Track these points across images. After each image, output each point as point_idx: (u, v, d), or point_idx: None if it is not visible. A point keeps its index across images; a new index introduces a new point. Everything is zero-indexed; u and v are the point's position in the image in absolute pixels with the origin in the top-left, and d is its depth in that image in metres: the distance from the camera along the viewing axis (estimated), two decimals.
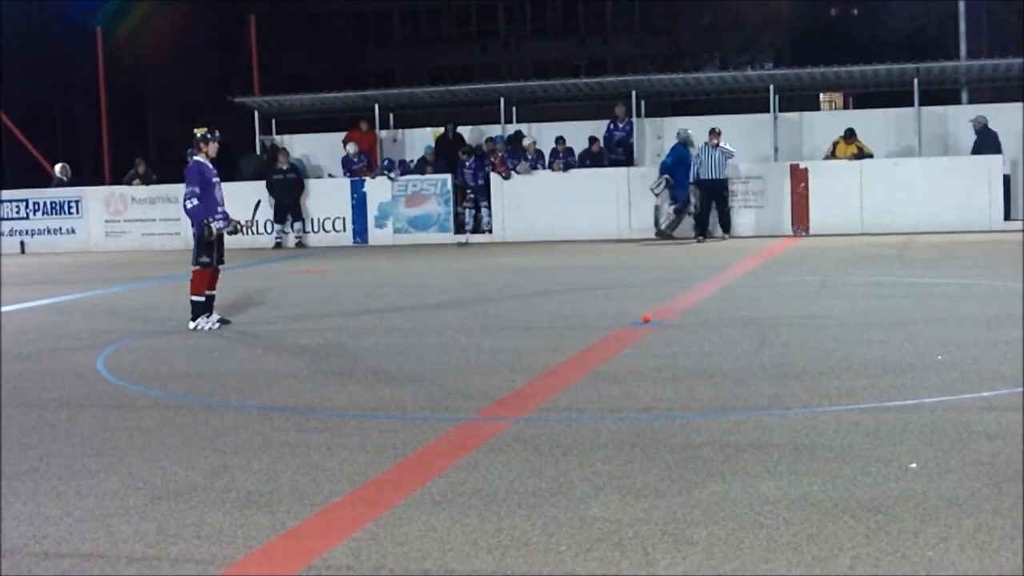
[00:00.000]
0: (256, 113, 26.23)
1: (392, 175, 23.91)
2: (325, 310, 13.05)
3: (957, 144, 22.88)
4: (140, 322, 12.46)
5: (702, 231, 21.76)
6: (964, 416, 6.68)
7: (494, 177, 23.43)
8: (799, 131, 24.08)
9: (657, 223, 22.34)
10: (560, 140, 23.61)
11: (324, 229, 24.26)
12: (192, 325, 11.49)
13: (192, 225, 11.71)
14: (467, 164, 23.72)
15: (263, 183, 23.85)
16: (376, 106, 25.46)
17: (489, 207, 23.61)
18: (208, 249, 11.58)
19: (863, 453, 5.92)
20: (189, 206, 11.51)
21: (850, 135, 22.28)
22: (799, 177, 22.03)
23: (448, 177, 23.70)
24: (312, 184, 24.63)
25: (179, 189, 15.14)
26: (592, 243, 21.76)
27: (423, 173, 24.06)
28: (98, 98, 30.09)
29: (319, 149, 25.98)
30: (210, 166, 11.62)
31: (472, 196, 23.76)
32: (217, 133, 11.74)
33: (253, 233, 22.81)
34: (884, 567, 4.34)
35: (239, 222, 12.12)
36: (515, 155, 23.67)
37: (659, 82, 25.56)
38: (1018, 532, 4.64)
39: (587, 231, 22.52)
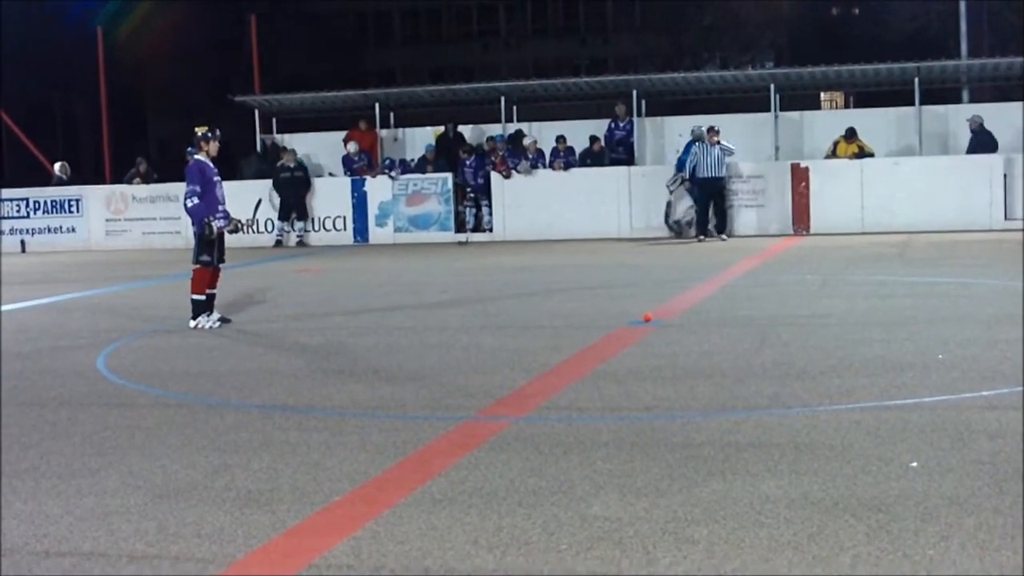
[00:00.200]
0: (256, 112, 26.23)
1: (393, 174, 23.91)
2: (325, 309, 13.05)
3: (958, 143, 22.87)
4: (140, 321, 12.46)
5: (702, 230, 21.73)
6: (964, 415, 6.68)
7: (494, 176, 23.42)
8: (800, 130, 24.08)
9: (668, 218, 22.33)
10: (561, 139, 23.61)
11: (325, 228, 24.27)
12: (193, 324, 11.49)
13: (193, 224, 11.71)
14: (468, 163, 23.72)
15: (263, 182, 23.89)
16: (376, 105, 25.46)
17: (490, 206, 23.61)
18: (209, 248, 11.58)
19: (864, 452, 5.92)
20: (190, 205, 11.52)
21: (851, 134, 22.27)
22: (800, 176, 22.03)
23: (449, 176, 23.70)
24: (313, 183, 24.62)
25: (180, 188, 15.14)
26: (592, 242, 21.75)
27: (423, 172, 24.07)
28: (98, 97, 30.11)
29: (320, 148, 25.97)
30: (211, 165, 11.62)
31: (473, 195, 23.76)
32: (218, 132, 11.74)
33: (254, 232, 22.84)
34: (885, 566, 4.34)
35: (240, 221, 12.11)
36: (516, 154, 23.67)
37: (660, 81, 25.56)
38: (1018, 531, 4.64)
39: (588, 230, 22.51)
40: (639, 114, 24.32)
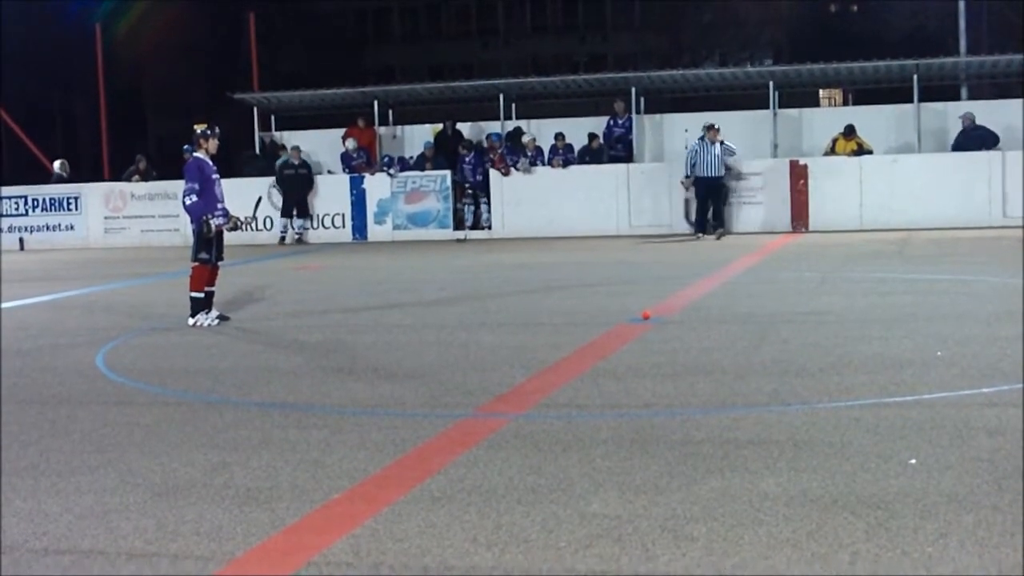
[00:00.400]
0: (255, 109, 26.21)
1: (391, 171, 23.91)
2: (324, 306, 13.05)
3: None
4: (139, 318, 12.46)
5: (701, 228, 21.72)
6: (964, 412, 6.68)
7: (493, 173, 23.42)
8: (799, 127, 24.07)
9: (688, 215, 22.33)
10: (559, 136, 23.61)
11: (323, 225, 24.27)
12: (191, 321, 11.49)
13: (191, 222, 11.71)
14: (467, 159, 23.71)
15: (264, 179, 23.91)
16: (375, 102, 25.45)
17: (488, 203, 23.61)
18: (207, 245, 11.58)
19: (863, 449, 5.92)
20: (188, 202, 11.51)
21: (850, 131, 22.27)
22: (799, 173, 22.02)
23: (447, 173, 23.69)
24: (316, 181, 24.60)
25: (178, 185, 15.13)
26: (591, 239, 21.75)
27: (422, 169, 24.07)
28: (97, 95, 30.08)
29: (318, 145, 25.96)
30: (210, 163, 11.62)
31: (471, 192, 23.75)
32: (217, 130, 11.74)
33: (253, 229, 22.83)
34: (884, 563, 4.34)
35: (239, 218, 12.11)
36: (514, 152, 23.66)
37: (658, 78, 25.56)
38: (1018, 528, 4.64)
39: (586, 227, 22.51)
40: (638, 111, 24.31)
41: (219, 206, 11.60)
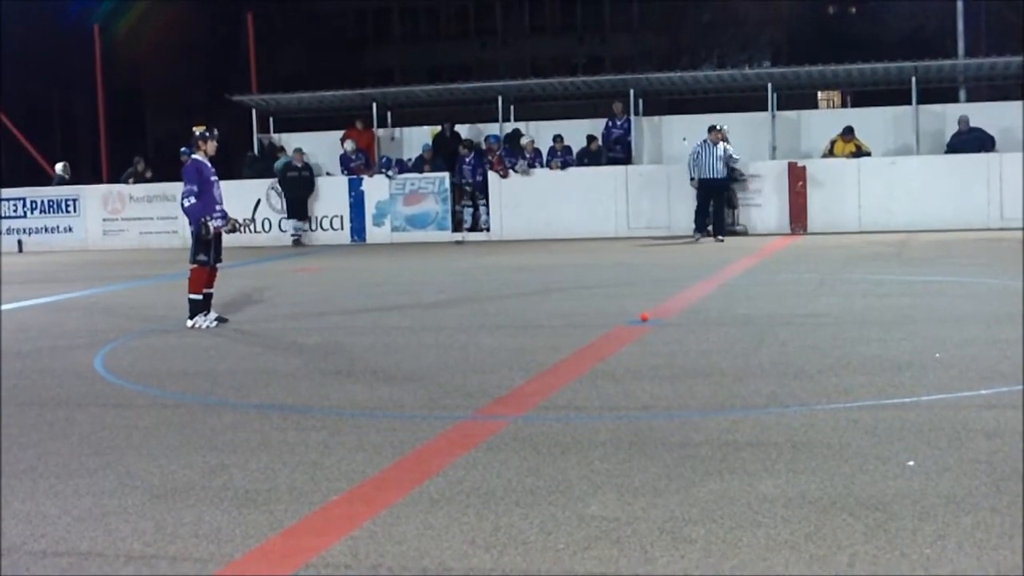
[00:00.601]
0: (254, 111, 26.21)
1: (390, 173, 23.91)
2: (323, 308, 13.04)
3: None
4: (138, 321, 12.45)
5: (699, 229, 21.70)
6: (962, 414, 6.68)
7: (492, 175, 23.42)
8: (797, 129, 24.08)
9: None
10: (558, 138, 23.61)
11: (322, 227, 24.26)
12: (190, 323, 11.49)
13: (190, 224, 11.71)
14: (467, 160, 23.70)
15: (263, 181, 23.91)
16: (374, 104, 25.45)
17: (487, 205, 23.61)
18: (206, 247, 11.57)
19: (861, 451, 5.92)
20: (187, 204, 11.51)
21: (848, 133, 22.28)
22: (797, 175, 22.01)
23: (446, 175, 23.70)
24: (316, 184, 24.60)
25: (177, 188, 15.13)
26: (590, 241, 21.75)
27: (421, 171, 24.07)
28: (96, 97, 30.08)
29: (317, 147, 25.94)
30: (208, 165, 11.62)
31: (470, 193, 23.74)
32: (216, 131, 11.74)
33: (252, 232, 22.86)
34: (882, 565, 4.34)
35: (238, 221, 12.11)
36: (513, 153, 23.67)
37: (657, 80, 25.57)
38: (1016, 530, 4.64)
39: (585, 229, 22.51)
40: (636, 113, 24.31)
41: (218, 208, 11.60)
